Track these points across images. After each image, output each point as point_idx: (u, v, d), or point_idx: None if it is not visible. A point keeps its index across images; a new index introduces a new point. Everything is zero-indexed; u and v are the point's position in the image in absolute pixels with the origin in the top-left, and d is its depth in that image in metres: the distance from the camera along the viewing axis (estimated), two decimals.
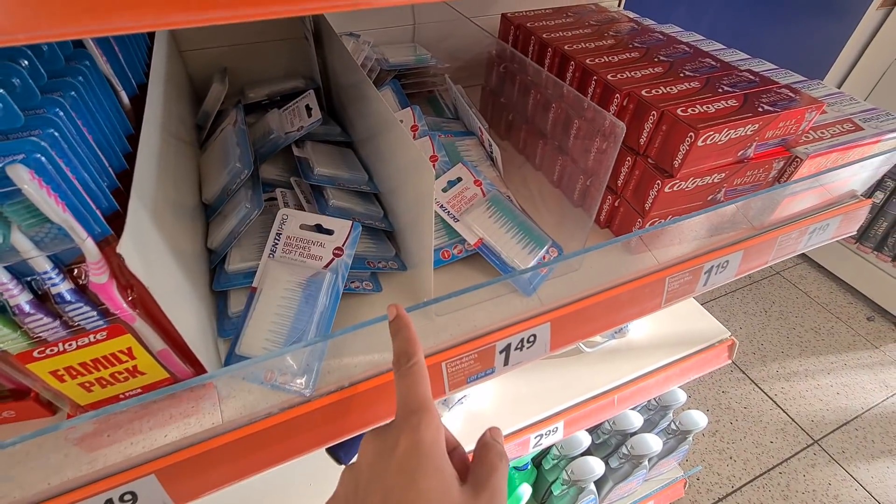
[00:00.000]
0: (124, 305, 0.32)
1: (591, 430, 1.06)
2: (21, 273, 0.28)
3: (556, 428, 0.84)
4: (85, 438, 0.37)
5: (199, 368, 0.40)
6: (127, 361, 0.34)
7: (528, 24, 0.69)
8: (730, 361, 0.99)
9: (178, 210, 0.46)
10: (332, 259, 0.47)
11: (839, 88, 1.78)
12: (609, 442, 1.07)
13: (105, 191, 0.32)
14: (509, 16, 0.73)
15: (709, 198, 0.55)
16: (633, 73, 0.55)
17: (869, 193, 1.84)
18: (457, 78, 0.76)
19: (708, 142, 0.47)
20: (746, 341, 1.86)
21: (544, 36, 0.65)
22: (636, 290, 0.57)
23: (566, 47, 0.61)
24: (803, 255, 2.18)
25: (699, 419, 1.05)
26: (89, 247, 0.28)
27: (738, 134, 0.48)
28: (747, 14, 1.51)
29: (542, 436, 0.84)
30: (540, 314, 0.52)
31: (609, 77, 0.55)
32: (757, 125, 0.49)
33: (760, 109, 0.49)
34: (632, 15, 0.86)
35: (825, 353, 1.82)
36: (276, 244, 0.48)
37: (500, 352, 0.51)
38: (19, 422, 0.40)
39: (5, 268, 0.28)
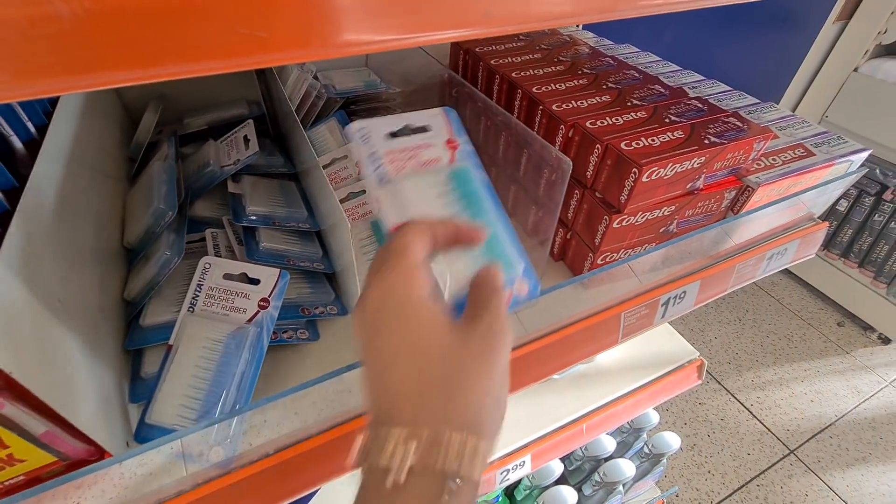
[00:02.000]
0: None
1: (563, 458, 1.03)
2: None
3: (524, 462, 0.81)
4: None
5: (95, 445, 0.36)
6: None
7: (478, 49, 0.67)
8: (699, 382, 0.98)
9: (83, 258, 0.42)
10: (257, 312, 0.43)
11: (799, 103, 1.81)
12: (582, 468, 1.04)
13: None
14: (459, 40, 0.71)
15: (661, 230, 0.53)
16: (580, 103, 0.53)
17: (830, 207, 1.88)
18: (410, 102, 0.73)
19: (653, 177, 0.45)
20: (721, 351, 1.87)
21: (493, 62, 0.63)
22: (591, 328, 0.54)
23: (514, 74, 0.59)
24: None
25: (672, 441, 1.03)
26: None
27: (684, 168, 0.46)
28: (707, 31, 1.53)
29: (508, 471, 0.80)
30: None
31: (555, 107, 0.52)
32: (703, 158, 0.47)
33: (707, 141, 0.47)
34: (589, 35, 0.84)
35: (798, 361, 1.83)
36: (197, 296, 0.44)
37: None
38: None
39: None
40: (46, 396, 0.29)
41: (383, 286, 0.25)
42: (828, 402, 1.69)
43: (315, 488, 0.45)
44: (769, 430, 1.61)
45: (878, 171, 1.71)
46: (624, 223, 0.49)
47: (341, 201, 0.57)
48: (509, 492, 1.03)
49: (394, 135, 0.33)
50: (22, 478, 0.34)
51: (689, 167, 0.47)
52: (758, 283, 2.16)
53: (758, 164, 0.56)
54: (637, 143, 0.46)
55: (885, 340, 1.88)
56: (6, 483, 0.33)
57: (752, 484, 1.47)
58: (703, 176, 0.49)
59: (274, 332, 0.46)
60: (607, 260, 0.53)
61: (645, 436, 1.08)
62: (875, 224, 1.76)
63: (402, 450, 0.22)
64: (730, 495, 1.44)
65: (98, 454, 0.37)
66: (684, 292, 0.59)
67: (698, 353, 0.98)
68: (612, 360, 0.95)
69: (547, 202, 0.52)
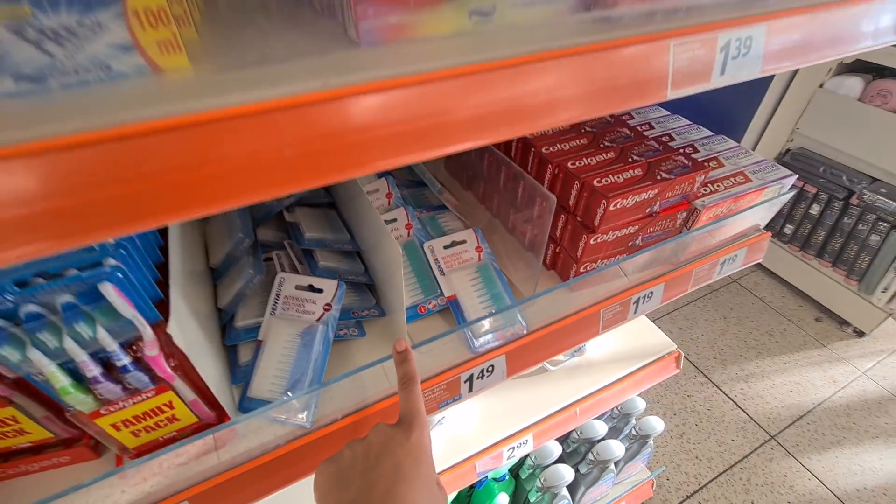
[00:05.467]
0: (168, 370, 0.42)
1: (561, 441, 1.17)
2: (96, 352, 0.39)
3: (527, 440, 0.95)
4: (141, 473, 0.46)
5: (220, 411, 0.50)
6: (168, 412, 0.44)
7: None
8: (678, 371, 1.12)
9: (195, 279, 0.56)
10: (323, 313, 0.58)
11: (772, 117, 1.95)
12: (579, 450, 1.18)
13: (153, 284, 0.42)
14: None
15: (629, 244, 0.68)
16: (563, 146, 0.68)
17: (802, 212, 2.03)
18: None
19: (618, 206, 0.60)
20: (708, 347, 2.01)
21: None
22: (577, 322, 0.69)
23: None
24: (758, 263, 2.36)
25: (656, 424, 1.17)
26: (148, 331, 0.39)
27: (642, 198, 0.61)
28: None
29: (514, 448, 0.94)
30: (496, 348, 0.63)
31: (544, 150, 0.67)
32: (657, 190, 0.62)
33: (659, 177, 0.62)
34: None
35: (779, 354, 1.97)
36: (277, 303, 0.59)
37: (465, 381, 0.62)
38: (73, 465, 0.50)
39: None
40: (202, 372, 0.44)
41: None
42: (806, 391, 1.83)
43: None
44: (752, 418, 1.75)
45: (844, 177, 1.86)
46: (598, 240, 0.64)
47: None
48: (515, 472, 1.16)
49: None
50: (175, 433, 0.48)
51: (646, 197, 0.62)
52: (741, 283, 2.31)
53: (704, 190, 0.71)
54: (606, 180, 0.61)
55: (860, 334, 2.03)
56: (164, 436, 0.48)
57: (736, 467, 1.60)
58: (658, 202, 0.64)
59: None
60: (588, 268, 0.68)
61: (633, 420, 1.22)
62: (845, 226, 1.91)
63: None
64: (716, 477, 1.58)
65: (220, 419, 0.51)
66: (651, 293, 0.74)
67: (676, 346, 1.13)
68: (601, 353, 1.10)
69: (540, 225, 0.66)
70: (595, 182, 0.61)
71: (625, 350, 1.11)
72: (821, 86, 1.86)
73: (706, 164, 0.67)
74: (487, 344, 0.63)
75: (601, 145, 0.69)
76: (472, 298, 0.65)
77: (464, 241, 0.69)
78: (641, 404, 1.21)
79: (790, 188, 0.76)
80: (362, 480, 0.38)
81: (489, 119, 0.35)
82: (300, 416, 0.53)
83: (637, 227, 0.66)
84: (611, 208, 0.59)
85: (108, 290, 0.34)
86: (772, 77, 1.90)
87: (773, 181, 0.73)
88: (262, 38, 0.37)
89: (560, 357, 1.06)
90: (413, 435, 0.42)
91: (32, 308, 0.33)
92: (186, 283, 0.51)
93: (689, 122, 0.87)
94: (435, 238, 0.70)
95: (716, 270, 0.80)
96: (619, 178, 0.62)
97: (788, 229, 2.12)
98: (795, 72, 1.89)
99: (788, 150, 2.06)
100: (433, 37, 0.38)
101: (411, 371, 0.47)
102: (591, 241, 0.63)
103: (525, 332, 0.65)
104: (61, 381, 0.38)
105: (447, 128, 0.33)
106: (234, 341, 0.59)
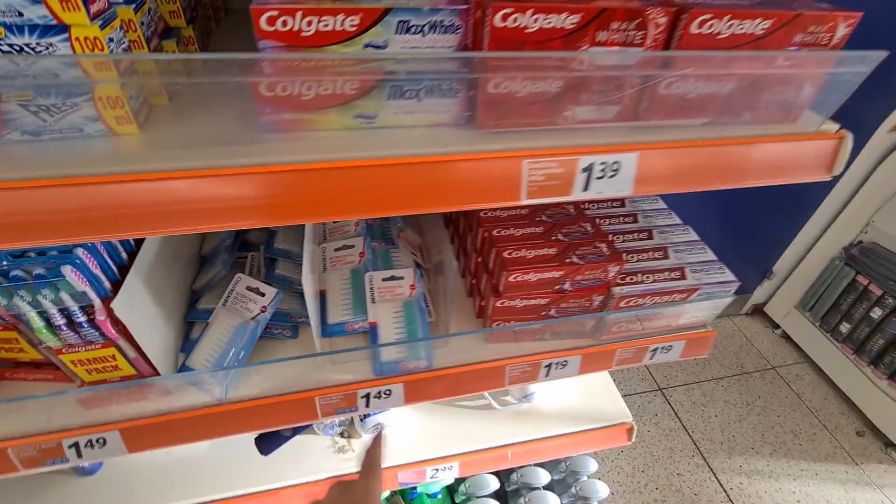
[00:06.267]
0: (113, 332, 0.58)
1: (502, 478, 1.22)
2: (63, 309, 0.55)
3: (452, 466, 1.03)
4: (86, 400, 0.63)
5: (155, 370, 0.66)
6: (111, 362, 0.60)
7: None
8: (629, 443, 1.12)
9: (179, 263, 0.72)
10: (259, 314, 0.71)
11: (845, 206, 1.77)
12: (519, 492, 1.22)
13: (113, 269, 0.58)
14: None
15: (542, 313, 0.74)
16: (500, 212, 0.76)
17: (862, 313, 1.83)
18: None
19: (518, 279, 0.66)
20: (718, 429, 1.89)
21: None
22: (482, 371, 0.76)
23: None
24: (804, 354, 2.15)
25: (601, 489, 1.17)
26: (97, 303, 0.54)
27: (545, 276, 0.67)
28: None
29: (438, 470, 1.02)
30: (397, 376, 0.72)
31: (482, 213, 0.75)
32: (562, 272, 0.67)
33: (568, 261, 0.68)
34: None
35: (798, 459, 1.81)
36: (229, 297, 0.73)
37: (362, 397, 0.72)
38: (56, 382, 0.68)
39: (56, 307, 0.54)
40: (140, 341, 0.59)
41: None
42: None
43: (268, 430, 0.71)
44: None
45: None
46: (505, 304, 0.70)
47: (338, 249, 0.84)
48: (452, 493, 1.23)
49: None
50: (119, 378, 0.64)
51: (550, 277, 0.67)
52: (780, 371, 2.13)
53: (631, 279, 0.74)
54: (517, 254, 0.68)
55: None
56: (109, 379, 0.64)
57: None
58: (567, 282, 0.69)
59: (268, 328, 0.74)
60: (500, 325, 0.74)
61: (582, 479, 1.23)
62: None
63: None
64: None
65: (156, 374, 0.67)
66: (566, 361, 0.78)
67: (631, 418, 1.12)
68: (554, 404, 1.13)
69: (451, 280, 0.74)
70: (505, 254, 0.68)
71: (579, 408, 1.13)
72: None
73: (625, 256, 0.71)
74: (390, 370, 0.72)
75: (537, 219, 0.75)
76: (390, 328, 0.75)
77: (402, 278, 0.79)
78: (593, 466, 1.21)
79: (734, 292, 0.76)
80: None
81: (327, 202, 0.45)
82: (216, 389, 0.67)
83: (548, 300, 0.71)
84: (510, 280, 0.66)
85: (67, 271, 0.50)
86: (850, 157, 1.74)
87: (707, 284, 0.74)
88: (203, 120, 0.51)
89: (509, 398, 1.11)
90: (368, 487, 0.50)
91: (19, 272, 0.50)
92: (161, 268, 0.67)
93: (665, 205, 0.89)
94: (379, 270, 0.81)
95: (646, 356, 0.82)
96: (530, 253, 0.68)
97: (845, 328, 1.92)
98: (879, 162, 1.72)
99: (860, 243, 1.87)
100: (326, 130, 0.49)
101: (377, 453, 0.55)
102: (498, 304, 0.70)
103: (428, 367, 0.74)
104: (38, 323, 0.54)
105: (290, 205, 0.44)
106: (193, 319, 0.74)
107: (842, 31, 0.50)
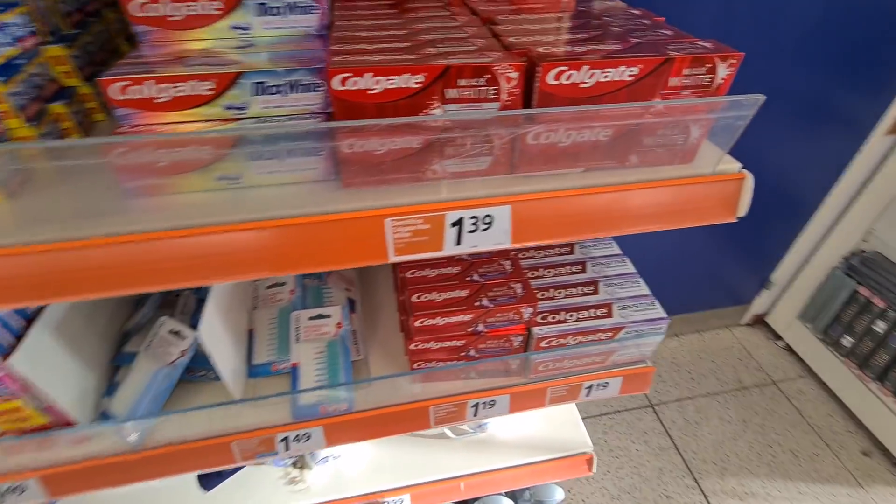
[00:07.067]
0: (16, 386, 0.59)
1: None
2: None
3: (403, 499, 1.01)
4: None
5: (69, 419, 0.67)
6: (20, 413, 0.62)
7: None
8: (590, 474, 1.08)
9: (97, 308, 0.74)
10: (177, 358, 0.72)
11: (843, 213, 1.68)
12: None
13: (13, 325, 0.59)
14: None
15: (461, 354, 0.72)
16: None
17: (864, 327, 1.73)
18: None
19: (426, 323, 0.65)
20: (711, 449, 1.82)
21: None
22: (406, 412, 0.75)
23: None
24: (808, 367, 2.05)
25: None
26: None
27: (453, 320, 0.66)
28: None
29: (389, 502, 1.01)
30: (315, 419, 0.72)
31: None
32: (470, 316, 0.66)
33: (477, 304, 0.66)
34: None
35: (796, 480, 1.72)
36: (152, 340, 0.74)
37: (280, 441, 0.72)
38: None
39: None
40: (49, 392, 0.60)
41: None
42: None
43: (189, 473, 0.72)
44: None
45: None
46: (419, 347, 0.69)
47: (269, 287, 0.84)
48: None
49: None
50: (32, 428, 0.66)
51: (459, 320, 0.66)
52: (781, 387, 2.04)
53: (553, 317, 0.71)
54: (426, 297, 0.67)
55: None
56: (23, 427, 0.65)
57: None
58: (481, 324, 0.68)
59: (191, 370, 0.74)
60: (421, 366, 0.73)
61: None
62: None
63: None
64: None
65: (69, 424, 0.68)
66: (494, 401, 0.77)
67: (592, 448, 1.09)
68: (511, 434, 1.11)
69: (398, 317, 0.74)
70: (414, 297, 0.67)
71: (539, 437, 1.11)
72: None
73: (539, 294, 0.69)
74: (309, 413, 0.72)
75: (455, 258, 0.74)
76: (311, 369, 0.75)
77: (328, 316, 0.79)
78: (559, 494, 1.18)
79: (665, 328, 0.73)
80: None
81: (176, 270, 0.45)
82: (132, 436, 0.68)
83: (464, 341, 0.70)
84: (417, 324, 0.65)
85: None
86: (846, 162, 1.65)
87: (633, 322, 0.71)
88: (66, 192, 0.51)
89: (465, 427, 1.10)
90: None
91: None
92: (79, 315, 0.69)
93: (620, 251, 0.85)
94: (308, 308, 0.80)
95: (581, 393, 0.79)
96: (440, 296, 0.67)
97: (847, 341, 1.83)
98: (876, 168, 1.63)
99: (862, 252, 1.78)
100: (191, 193, 0.49)
101: None
102: (411, 347, 0.69)
103: (348, 410, 0.73)
104: None
105: (136, 273, 0.45)
106: (119, 363, 0.76)
107: (723, 71, 0.47)
